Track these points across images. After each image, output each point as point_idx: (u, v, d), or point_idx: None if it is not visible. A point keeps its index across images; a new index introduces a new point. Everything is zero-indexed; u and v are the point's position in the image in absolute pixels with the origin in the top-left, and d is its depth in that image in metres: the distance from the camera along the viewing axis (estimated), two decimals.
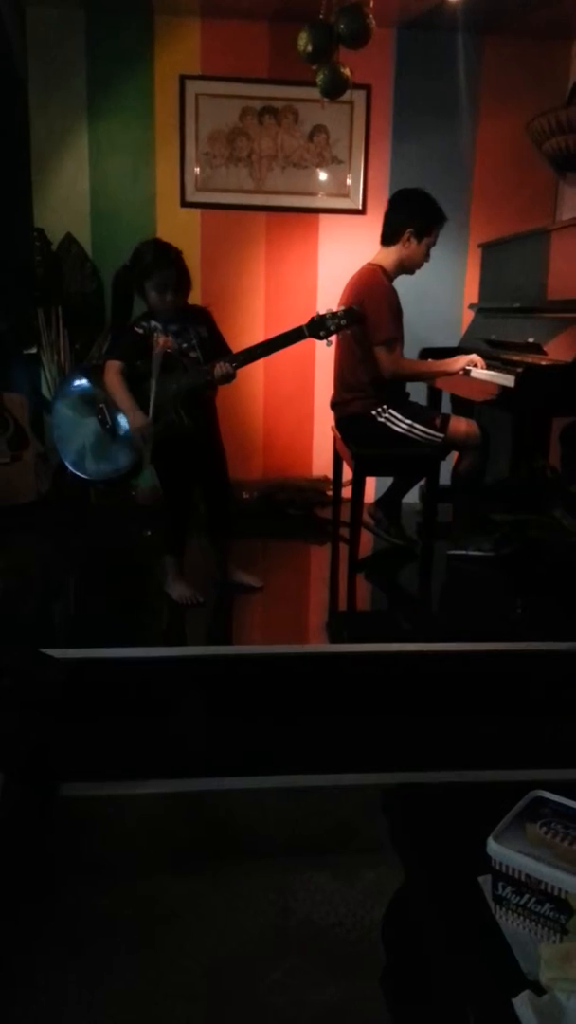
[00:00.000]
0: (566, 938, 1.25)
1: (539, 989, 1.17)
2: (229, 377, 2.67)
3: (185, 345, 2.73)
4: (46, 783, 2.14)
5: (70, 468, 2.93)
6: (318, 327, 2.68)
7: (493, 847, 1.32)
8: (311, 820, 2.17)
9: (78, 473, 2.94)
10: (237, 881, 1.96)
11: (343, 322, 2.68)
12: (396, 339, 3.18)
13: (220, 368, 2.65)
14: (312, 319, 2.69)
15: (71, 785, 2.19)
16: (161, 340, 2.69)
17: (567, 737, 2.40)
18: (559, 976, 1.17)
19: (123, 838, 2.12)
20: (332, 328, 2.67)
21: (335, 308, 2.71)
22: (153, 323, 2.74)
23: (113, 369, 2.73)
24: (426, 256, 3.26)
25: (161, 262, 2.65)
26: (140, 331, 2.73)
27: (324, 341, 2.72)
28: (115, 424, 2.84)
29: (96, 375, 2.82)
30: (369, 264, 3.27)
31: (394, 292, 3.22)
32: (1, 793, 1.88)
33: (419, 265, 3.29)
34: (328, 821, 2.17)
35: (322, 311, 2.69)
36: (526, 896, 1.29)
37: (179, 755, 2.35)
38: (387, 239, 3.26)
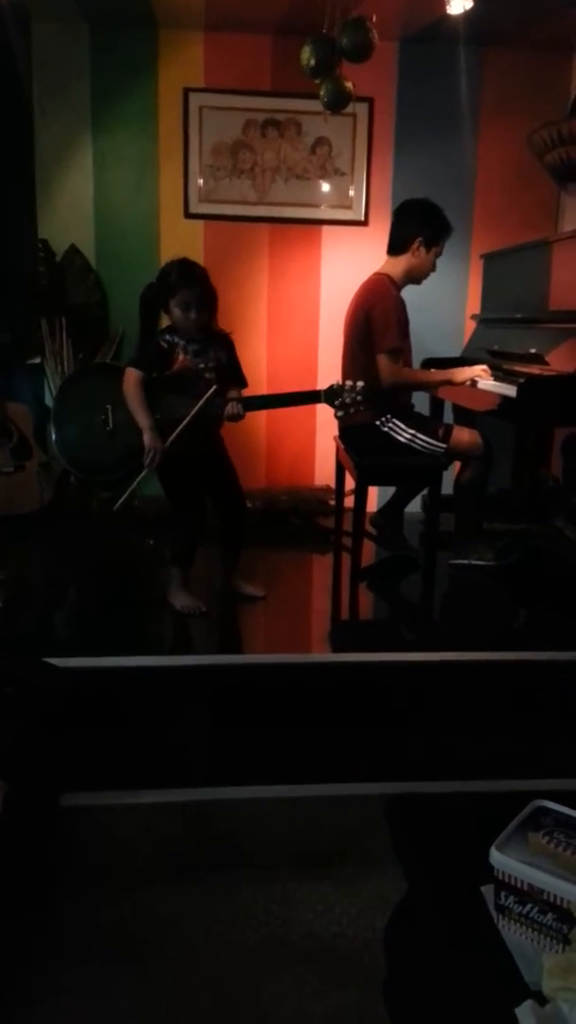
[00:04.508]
0: (568, 948, 1.25)
1: (542, 999, 1.17)
2: (237, 417, 2.75)
3: (202, 365, 2.76)
4: (48, 792, 2.14)
5: (63, 459, 2.96)
6: (334, 396, 2.75)
7: (496, 857, 1.32)
8: (313, 830, 2.16)
9: (69, 466, 2.98)
10: (238, 891, 1.96)
11: (359, 398, 2.74)
12: (400, 349, 3.19)
13: (231, 408, 2.72)
14: (332, 387, 2.76)
15: (73, 795, 2.19)
16: (181, 358, 2.75)
17: (569, 747, 2.40)
18: (562, 986, 1.17)
19: (124, 848, 2.12)
20: (348, 401, 2.74)
21: (355, 384, 2.75)
22: (176, 339, 2.77)
23: (132, 378, 2.74)
24: (433, 266, 3.28)
25: (185, 281, 2.69)
26: (164, 345, 2.77)
27: (337, 412, 2.79)
28: (115, 427, 2.86)
29: (107, 374, 2.83)
30: (377, 273, 3.29)
31: (402, 302, 3.23)
32: (3, 802, 1.87)
33: (427, 275, 3.30)
34: (330, 831, 2.16)
35: (344, 383, 2.77)
36: (529, 906, 1.30)
37: (181, 765, 2.35)
38: (395, 249, 3.27)
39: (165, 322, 2.83)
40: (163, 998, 1.67)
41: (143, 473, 2.75)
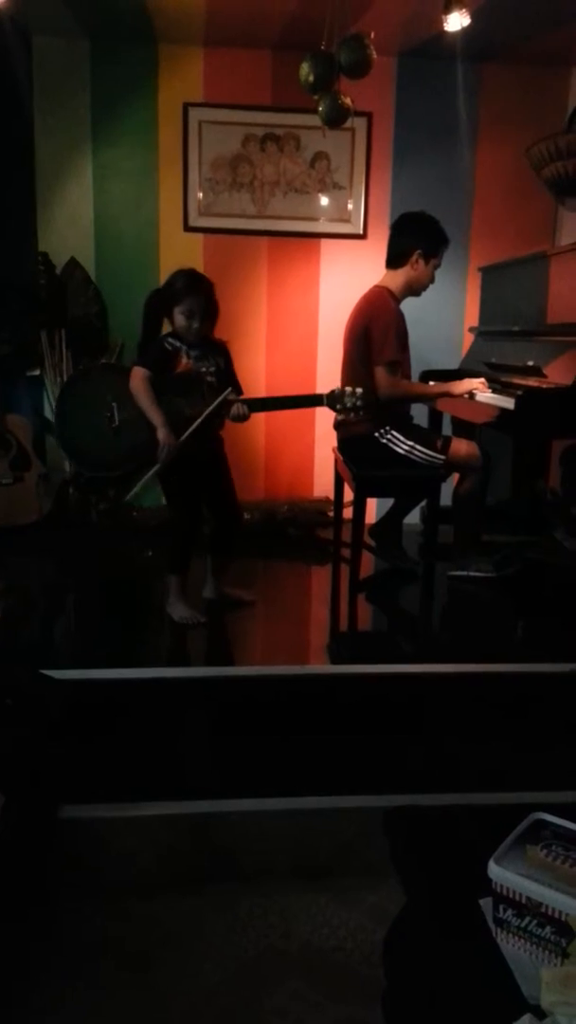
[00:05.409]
0: (567, 961, 1.25)
1: (540, 1013, 1.17)
2: (243, 417, 2.80)
3: (203, 370, 2.81)
4: (47, 804, 2.14)
5: (68, 456, 2.97)
6: (336, 400, 2.83)
7: (494, 869, 1.32)
8: (312, 842, 2.16)
9: (74, 462, 2.99)
10: (237, 903, 1.96)
11: (359, 403, 2.83)
12: (399, 362, 3.20)
13: (237, 409, 2.77)
14: (333, 392, 2.84)
15: (71, 806, 2.19)
16: (184, 362, 2.80)
17: (568, 759, 2.40)
18: (560, 1000, 1.16)
19: (123, 860, 2.11)
20: (348, 405, 2.83)
21: (355, 389, 2.84)
22: (179, 343, 2.82)
23: (140, 376, 2.77)
24: (432, 278, 3.31)
25: (192, 290, 2.74)
26: (168, 347, 2.81)
27: (338, 415, 2.92)
28: (120, 424, 2.89)
29: (112, 373, 2.85)
30: (376, 286, 3.31)
31: (402, 316, 3.25)
32: (1, 814, 1.87)
33: (426, 287, 3.33)
34: (329, 843, 2.16)
35: (344, 388, 2.85)
36: (527, 919, 1.29)
37: (179, 776, 2.35)
38: (394, 262, 3.29)
39: (166, 329, 2.86)
40: (163, 1010, 1.67)
41: (156, 467, 2.76)
